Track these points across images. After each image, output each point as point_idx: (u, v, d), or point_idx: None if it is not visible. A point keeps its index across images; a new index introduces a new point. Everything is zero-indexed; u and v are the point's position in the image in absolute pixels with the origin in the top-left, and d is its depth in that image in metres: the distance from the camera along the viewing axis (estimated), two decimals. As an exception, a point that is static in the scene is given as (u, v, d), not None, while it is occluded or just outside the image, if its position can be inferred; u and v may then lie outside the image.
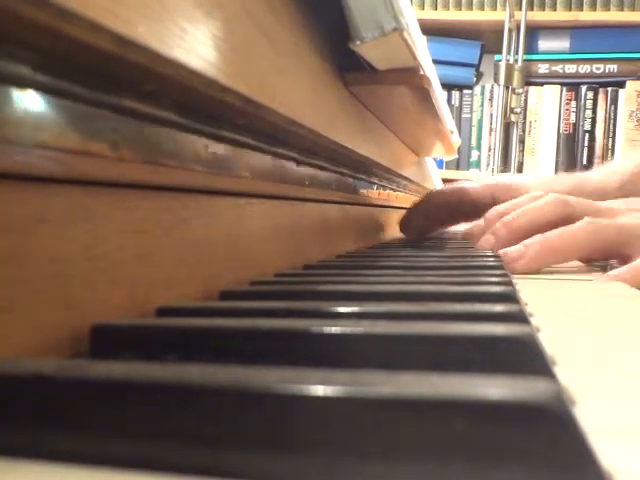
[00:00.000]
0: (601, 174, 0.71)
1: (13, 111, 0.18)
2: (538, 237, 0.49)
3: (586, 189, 0.66)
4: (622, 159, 0.71)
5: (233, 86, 0.27)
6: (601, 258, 0.54)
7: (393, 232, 0.91)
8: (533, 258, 0.48)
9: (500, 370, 0.17)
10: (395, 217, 0.92)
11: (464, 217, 0.81)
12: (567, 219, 0.50)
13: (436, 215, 0.78)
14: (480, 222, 0.65)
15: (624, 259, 0.49)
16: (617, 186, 0.68)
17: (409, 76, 0.54)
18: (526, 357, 0.17)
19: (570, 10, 1.99)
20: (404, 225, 0.79)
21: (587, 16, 1.98)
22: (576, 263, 0.57)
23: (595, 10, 1.97)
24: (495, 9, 2.02)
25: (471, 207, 0.73)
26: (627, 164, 0.71)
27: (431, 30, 1.96)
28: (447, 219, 0.81)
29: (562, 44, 2.06)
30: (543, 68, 2.08)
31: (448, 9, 2.04)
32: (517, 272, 0.48)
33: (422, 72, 0.55)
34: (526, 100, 2.09)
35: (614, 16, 1.97)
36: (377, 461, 0.12)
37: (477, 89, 2.13)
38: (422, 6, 2.05)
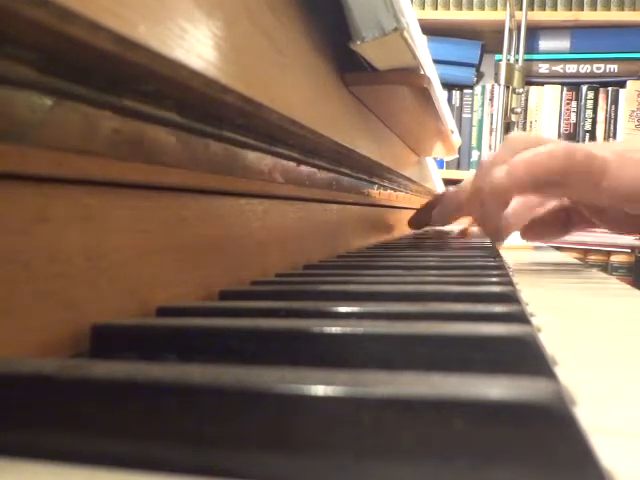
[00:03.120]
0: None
1: (13, 111, 0.18)
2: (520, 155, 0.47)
3: None
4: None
5: (233, 86, 0.27)
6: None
7: (394, 232, 0.91)
8: (521, 175, 0.47)
9: (501, 370, 0.17)
10: (396, 217, 0.92)
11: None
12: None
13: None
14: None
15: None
16: None
17: (409, 76, 0.54)
18: (527, 357, 0.17)
19: (570, 10, 1.99)
20: (413, 221, 0.84)
21: (587, 16, 1.97)
22: (574, 261, 0.57)
23: (595, 10, 1.97)
24: (495, 9, 2.02)
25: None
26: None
27: (431, 30, 1.96)
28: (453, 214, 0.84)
29: (562, 44, 2.06)
30: (543, 68, 2.08)
31: (448, 9, 2.04)
32: (499, 192, 0.48)
33: (422, 72, 0.55)
34: (526, 100, 2.09)
35: (615, 16, 1.96)
36: (377, 461, 0.12)
37: (477, 89, 2.13)
38: (422, 6, 2.05)
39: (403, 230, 0.98)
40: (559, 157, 0.46)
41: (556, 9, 2.01)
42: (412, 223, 0.83)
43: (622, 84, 2.02)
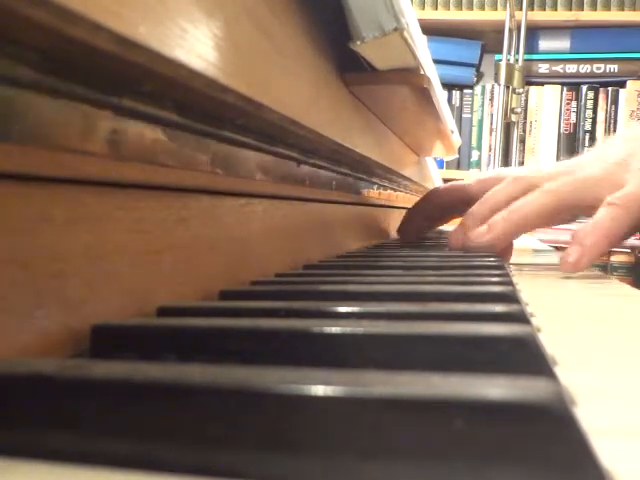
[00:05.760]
0: (585, 158, 0.72)
1: (13, 111, 0.18)
2: (500, 214, 0.53)
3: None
4: (606, 143, 0.71)
5: (233, 86, 0.27)
6: (569, 217, 0.57)
7: (393, 232, 0.91)
8: (500, 233, 0.53)
9: (501, 370, 0.17)
10: (396, 217, 0.92)
11: (459, 214, 0.82)
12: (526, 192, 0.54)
13: (432, 215, 0.79)
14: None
15: (588, 212, 0.51)
16: None
17: (409, 76, 0.54)
18: (527, 357, 0.17)
19: (570, 10, 1.99)
20: (403, 228, 0.80)
21: (587, 16, 1.97)
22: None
23: (596, 10, 1.97)
24: (495, 9, 2.02)
25: (465, 204, 0.75)
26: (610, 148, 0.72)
27: (431, 30, 1.96)
28: (443, 217, 0.82)
29: (562, 44, 2.06)
30: (543, 68, 2.08)
31: (448, 9, 2.04)
32: (484, 247, 0.52)
33: (422, 72, 0.55)
34: (526, 100, 2.09)
35: (614, 16, 1.96)
36: (377, 461, 0.12)
37: (477, 89, 2.13)
38: (422, 6, 2.05)
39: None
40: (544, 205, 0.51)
41: (556, 9, 2.01)
42: (401, 232, 0.81)
43: (622, 84, 2.02)
